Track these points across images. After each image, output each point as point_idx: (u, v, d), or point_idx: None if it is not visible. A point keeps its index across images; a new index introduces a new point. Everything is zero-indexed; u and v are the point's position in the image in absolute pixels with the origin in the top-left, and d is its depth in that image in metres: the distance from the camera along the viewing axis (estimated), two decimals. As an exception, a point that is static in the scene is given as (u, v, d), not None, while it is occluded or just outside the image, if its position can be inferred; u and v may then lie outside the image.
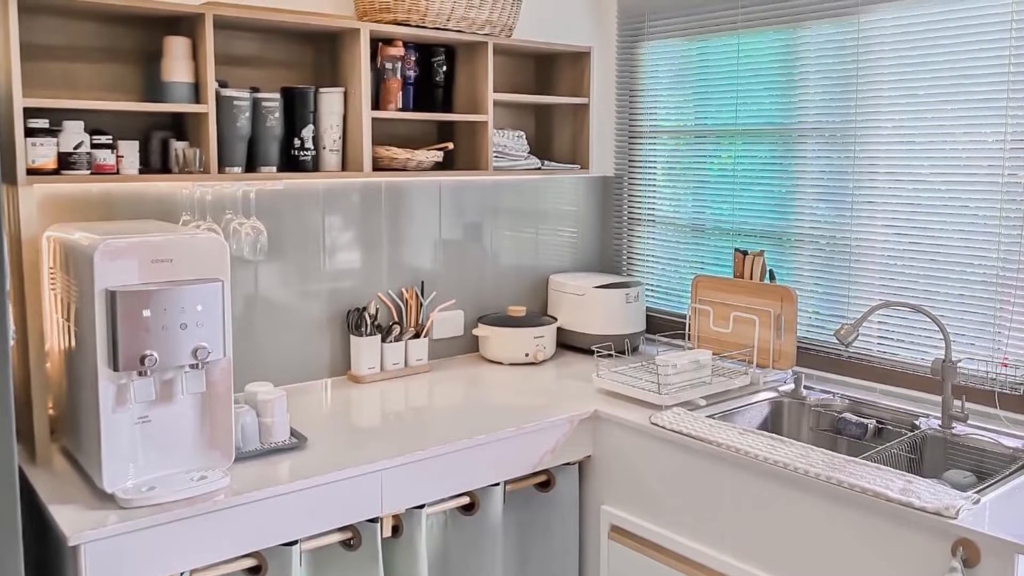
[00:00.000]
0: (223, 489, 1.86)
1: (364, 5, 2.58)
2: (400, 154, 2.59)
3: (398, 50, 2.62)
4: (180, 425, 1.91)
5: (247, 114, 2.30)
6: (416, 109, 2.75)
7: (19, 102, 1.94)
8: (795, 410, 2.59)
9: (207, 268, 1.88)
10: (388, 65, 2.61)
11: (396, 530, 2.17)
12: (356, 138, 2.50)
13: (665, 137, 3.19)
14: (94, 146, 2.10)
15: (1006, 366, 2.34)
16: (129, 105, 2.11)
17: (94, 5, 2.06)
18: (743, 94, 2.92)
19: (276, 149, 2.40)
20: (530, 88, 3.20)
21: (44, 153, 2.01)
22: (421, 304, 2.91)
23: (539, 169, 2.96)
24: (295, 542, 1.97)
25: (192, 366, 1.87)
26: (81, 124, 2.08)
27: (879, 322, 2.61)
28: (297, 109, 2.44)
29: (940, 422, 2.31)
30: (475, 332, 3.01)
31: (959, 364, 2.41)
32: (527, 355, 2.94)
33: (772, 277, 2.75)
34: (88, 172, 2.09)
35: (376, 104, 2.63)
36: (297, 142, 2.45)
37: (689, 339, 2.92)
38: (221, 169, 2.28)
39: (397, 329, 2.78)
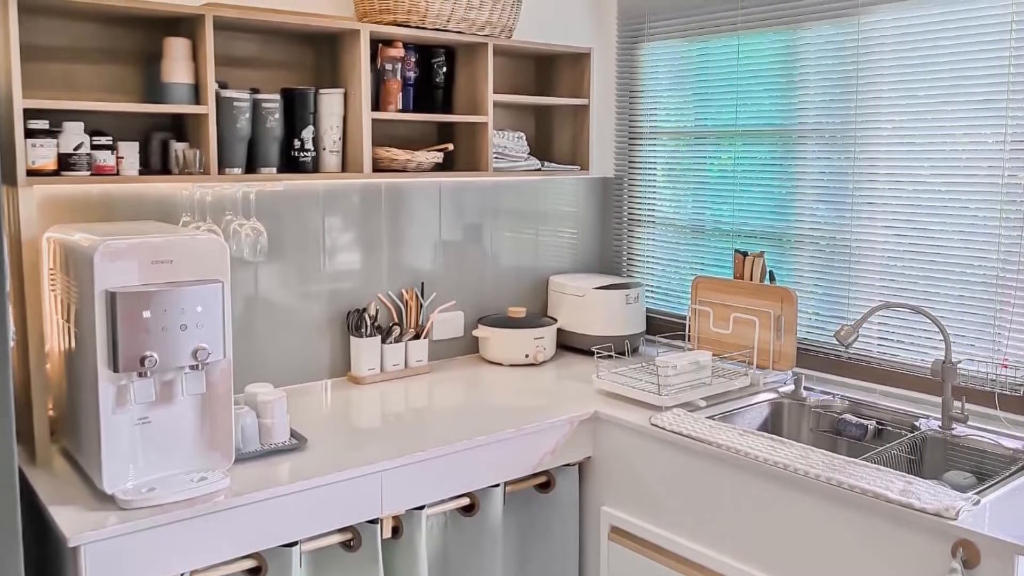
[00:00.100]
0: (223, 490, 1.86)
1: (364, 6, 2.58)
2: (400, 155, 2.59)
3: (398, 51, 2.62)
4: (180, 426, 1.91)
5: (247, 115, 2.30)
6: (416, 110, 2.75)
7: (19, 103, 1.94)
8: (795, 411, 2.59)
9: (207, 269, 1.88)
10: (388, 66, 2.62)
11: (396, 531, 2.17)
12: (356, 139, 2.50)
13: (665, 138, 3.19)
14: (94, 147, 2.10)
15: (1006, 367, 2.34)
16: (129, 106, 2.11)
17: (94, 6, 2.06)
18: (743, 95, 2.92)
19: (276, 150, 2.40)
20: (530, 89, 3.20)
21: (44, 154, 2.01)
22: (421, 305, 2.91)
23: (539, 170, 2.96)
24: (295, 543, 1.97)
25: (192, 367, 1.87)
26: (81, 125, 2.08)
27: (879, 323, 2.61)
28: (297, 110, 2.44)
29: (940, 423, 2.31)
30: (475, 333, 3.01)
31: (959, 365, 2.41)
32: (527, 356, 2.94)
33: (772, 278, 2.75)
34: (88, 173, 2.09)
35: (376, 105, 2.63)
36: (297, 143, 2.45)
37: (689, 340, 2.92)
38: (221, 170, 2.28)
39: (397, 330, 2.78)
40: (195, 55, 2.22)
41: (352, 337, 2.73)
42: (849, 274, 2.67)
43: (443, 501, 2.24)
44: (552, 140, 3.20)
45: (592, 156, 3.27)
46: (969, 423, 2.31)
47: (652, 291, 3.28)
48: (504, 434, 2.27)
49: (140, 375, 1.81)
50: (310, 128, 2.46)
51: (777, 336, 2.67)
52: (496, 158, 2.84)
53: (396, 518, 2.17)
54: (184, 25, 2.26)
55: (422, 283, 2.95)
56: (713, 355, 2.79)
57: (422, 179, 2.87)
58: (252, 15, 2.26)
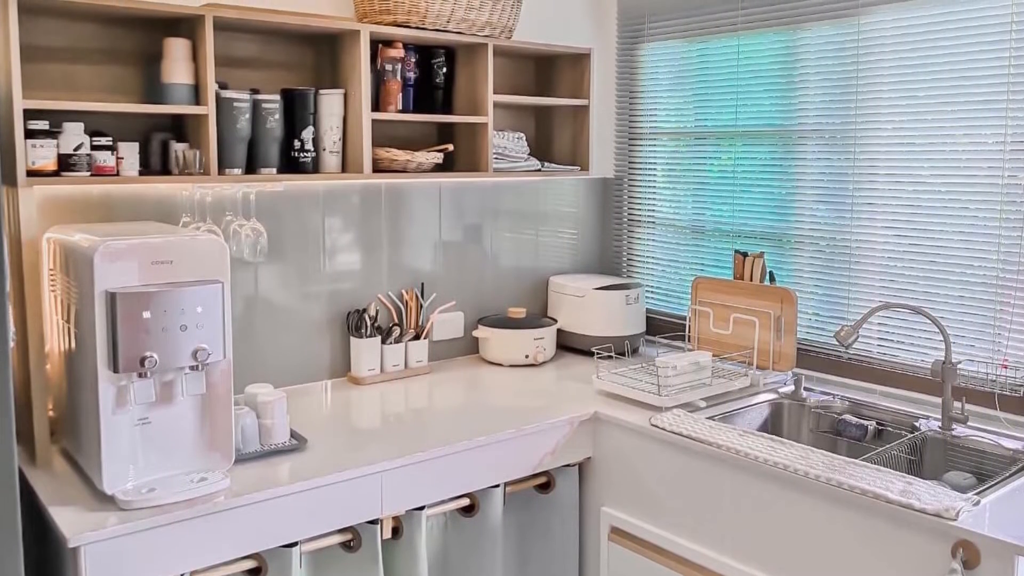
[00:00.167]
0: (223, 491, 1.86)
1: (364, 7, 2.58)
2: (400, 156, 2.59)
3: (398, 52, 2.62)
4: (180, 427, 1.91)
5: (247, 116, 2.30)
6: (416, 111, 2.75)
7: (19, 104, 1.94)
8: (795, 412, 2.59)
9: (207, 270, 1.88)
10: (388, 67, 2.62)
11: (396, 532, 2.17)
12: (356, 140, 2.50)
13: (665, 139, 3.19)
14: (94, 148, 2.10)
15: (1006, 368, 2.34)
16: (129, 107, 2.11)
17: (94, 7, 2.06)
18: (743, 96, 2.92)
19: (276, 151, 2.40)
20: (530, 90, 3.20)
21: (44, 155, 2.01)
22: (421, 306, 2.91)
23: (539, 171, 2.96)
24: (295, 544, 1.96)
25: (192, 368, 1.87)
26: (81, 126, 2.08)
27: (879, 324, 2.61)
28: (297, 111, 2.44)
29: (940, 424, 2.31)
30: (475, 334, 3.01)
31: (959, 366, 2.41)
32: (527, 357, 2.94)
33: (772, 279, 2.75)
34: (88, 174, 2.09)
35: (376, 106, 2.63)
36: (297, 144, 2.45)
37: (689, 341, 2.92)
38: (221, 171, 2.28)
39: (397, 331, 2.78)
40: (195, 55, 2.22)
41: (352, 338, 2.73)
42: (849, 275, 2.67)
43: (443, 501, 2.24)
44: (552, 140, 3.20)
45: (592, 156, 3.27)
46: (969, 424, 2.31)
47: (652, 292, 3.28)
48: (504, 435, 2.27)
49: (140, 376, 1.81)
50: (310, 129, 2.46)
51: (777, 337, 2.67)
52: (496, 159, 2.84)
53: (396, 518, 2.17)
54: (184, 26, 2.26)
55: (422, 284, 2.95)
56: (713, 356, 2.79)
57: (422, 180, 2.87)
58: (252, 15, 2.26)
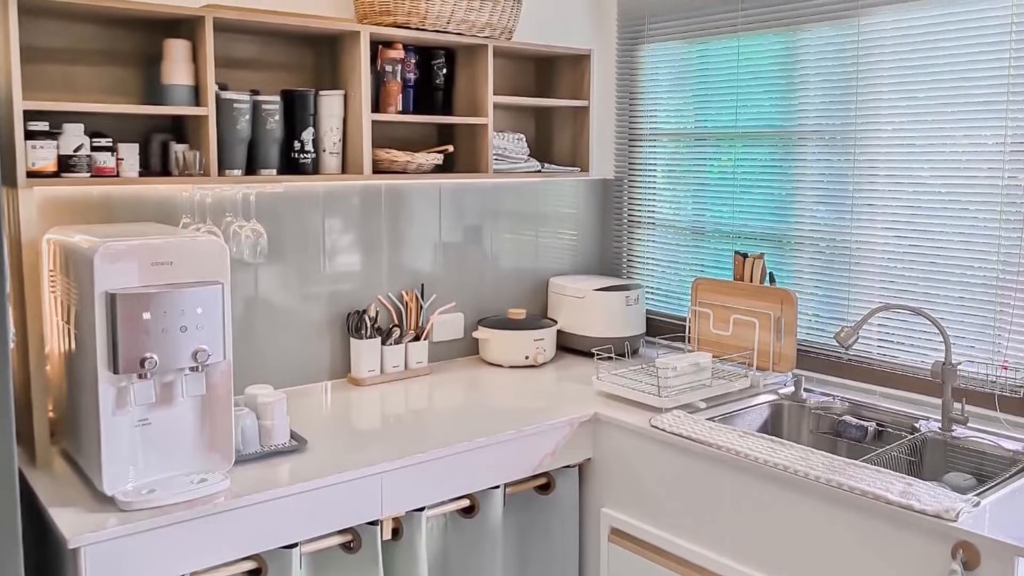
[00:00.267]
0: (223, 492, 1.86)
1: (364, 8, 2.58)
2: (400, 157, 2.59)
3: (398, 53, 2.63)
4: (180, 428, 1.91)
5: (247, 117, 2.30)
6: (416, 112, 2.75)
7: (19, 105, 1.94)
8: (795, 413, 2.59)
9: (207, 271, 1.88)
10: (388, 68, 2.62)
11: (396, 533, 2.17)
12: (356, 141, 2.50)
13: (665, 140, 3.19)
14: (94, 149, 2.10)
15: (1006, 368, 2.34)
16: (129, 108, 2.11)
17: (94, 8, 2.06)
18: (743, 97, 2.92)
19: (276, 152, 2.40)
20: (530, 91, 3.20)
21: (44, 156, 2.01)
22: (421, 307, 2.91)
23: (539, 172, 2.96)
24: (295, 545, 1.96)
25: (192, 369, 1.87)
26: (81, 127, 2.08)
27: (879, 325, 2.61)
28: (297, 112, 2.44)
29: (940, 425, 2.31)
30: (475, 335, 3.01)
31: (959, 367, 2.41)
32: (527, 358, 2.94)
33: (772, 280, 2.75)
34: (88, 175, 2.09)
35: (376, 107, 2.63)
36: (297, 145, 2.45)
37: (689, 342, 2.92)
38: (221, 172, 2.28)
39: (397, 332, 2.78)
40: (195, 57, 2.22)
41: (352, 339, 2.73)
42: (849, 276, 2.67)
43: (443, 503, 2.24)
44: (552, 141, 3.20)
45: (592, 158, 3.27)
46: (969, 425, 2.31)
47: (652, 293, 3.28)
48: (504, 436, 2.27)
49: (140, 377, 1.81)
50: (310, 130, 2.46)
51: (777, 338, 2.67)
52: (496, 160, 2.84)
53: (396, 520, 2.17)
54: (184, 27, 2.26)
55: (422, 285, 2.95)
56: (713, 357, 2.79)
57: (422, 181, 2.87)
58: (252, 16, 2.26)
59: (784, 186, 2.83)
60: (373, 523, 2.08)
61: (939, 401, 2.44)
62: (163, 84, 2.22)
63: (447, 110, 2.87)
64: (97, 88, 2.27)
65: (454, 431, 2.27)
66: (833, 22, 2.64)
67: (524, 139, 2.97)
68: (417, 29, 2.57)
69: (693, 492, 2.22)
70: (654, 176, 3.25)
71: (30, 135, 1.99)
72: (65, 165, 2.05)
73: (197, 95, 2.23)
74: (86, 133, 2.09)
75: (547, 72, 3.18)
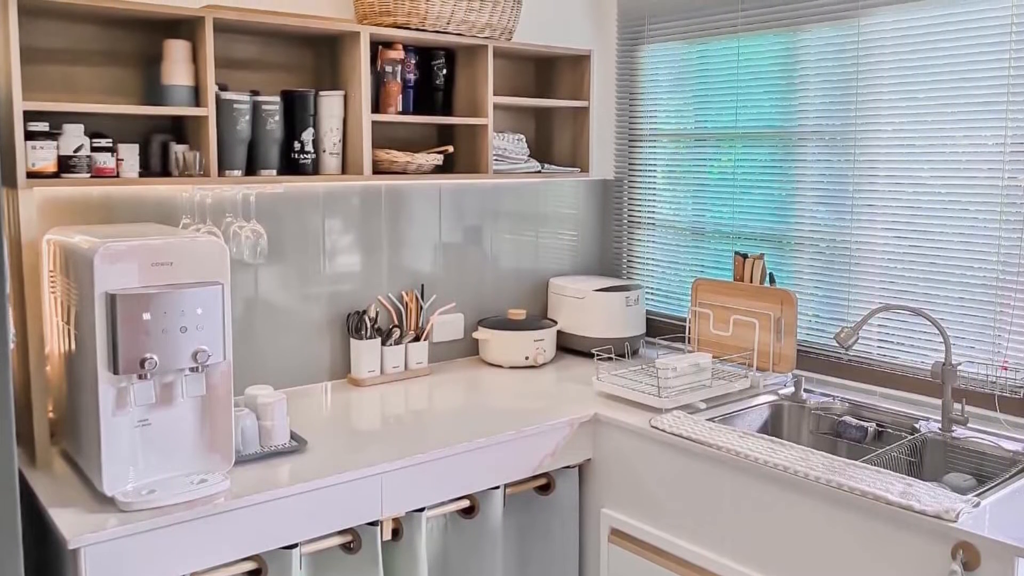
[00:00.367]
0: (223, 492, 1.86)
1: (364, 8, 2.58)
2: (400, 157, 2.59)
3: (398, 53, 2.63)
4: (180, 428, 1.91)
5: (247, 117, 2.30)
6: (416, 112, 2.75)
7: (19, 105, 1.94)
8: (795, 413, 2.59)
9: (207, 271, 1.88)
10: (388, 68, 2.62)
11: (396, 533, 2.17)
12: (356, 141, 2.50)
13: (665, 140, 3.19)
14: (94, 149, 2.10)
15: (1006, 369, 2.33)
16: (129, 108, 2.11)
17: (94, 8, 2.06)
18: (743, 97, 2.92)
19: (276, 152, 2.40)
20: (530, 91, 3.20)
21: (44, 156, 2.01)
22: (421, 307, 2.91)
23: (539, 172, 2.96)
24: (295, 545, 1.96)
25: (192, 369, 1.87)
26: (81, 127, 2.08)
27: (879, 325, 2.61)
28: (297, 112, 2.44)
29: (940, 425, 2.31)
30: (475, 335, 3.01)
31: (959, 367, 2.41)
32: (527, 358, 2.94)
33: (772, 280, 2.75)
34: (88, 175, 2.09)
35: (376, 107, 2.63)
36: (297, 145, 2.45)
37: (689, 342, 2.92)
38: (221, 172, 2.28)
39: (397, 332, 2.78)
40: (195, 57, 2.22)
41: (352, 339, 2.73)
42: (849, 276, 2.67)
43: (443, 503, 2.24)
44: (552, 142, 3.20)
45: (592, 158, 3.27)
46: (969, 425, 2.31)
47: (652, 293, 3.28)
48: (504, 436, 2.27)
49: (140, 377, 1.81)
50: (310, 130, 2.46)
51: (777, 338, 2.67)
52: (496, 160, 2.84)
53: (396, 520, 2.17)
54: (184, 27, 2.26)
55: (422, 285, 2.95)
56: (713, 357, 2.79)
57: (422, 181, 2.87)
58: (252, 17, 2.26)
59: (784, 187, 2.83)
60: (373, 523, 2.08)
61: (939, 402, 2.44)
62: (163, 84, 2.22)
63: (447, 111, 2.87)
64: (97, 88, 2.27)
65: (454, 431, 2.27)
66: (833, 23, 2.64)
67: (524, 140, 2.97)
68: (417, 30, 2.57)
69: (693, 493, 2.22)
70: (654, 177, 3.25)
71: (30, 135, 1.99)
72: (65, 166, 2.05)
73: (197, 95, 2.23)
74: (86, 134, 2.09)
75: (547, 73, 3.18)
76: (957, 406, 2.37)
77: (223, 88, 2.31)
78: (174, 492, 1.81)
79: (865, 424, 2.44)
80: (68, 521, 1.72)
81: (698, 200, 3.10)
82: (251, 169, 2.37)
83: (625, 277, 3.39)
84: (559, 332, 3.12)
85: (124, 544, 1.72)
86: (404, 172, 2.63)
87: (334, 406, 2.51)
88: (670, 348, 3.16)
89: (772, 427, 2.57)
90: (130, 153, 2.17)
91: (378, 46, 2.64)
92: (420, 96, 2.78)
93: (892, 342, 2.59)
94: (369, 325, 2.72)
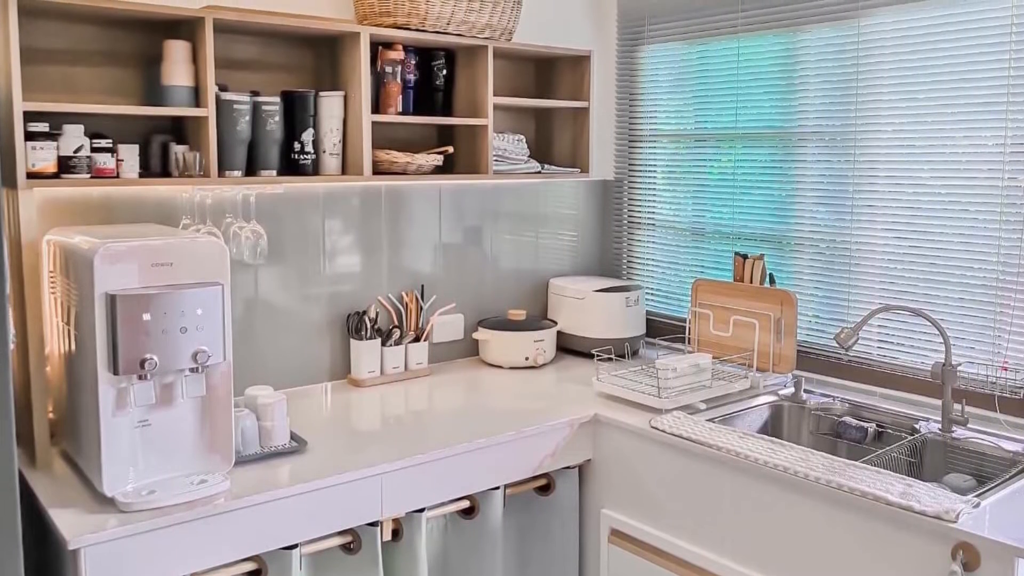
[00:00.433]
0: (223, 493, 1.86)
1: (364, 9, 2.58)
2: (400, 158, 2.59)
3: (398, 54, 2.63)
4: (180, 429, 1.91)
5: (247, 118, 2.30)
6: (416, 113, 2.75)
7: (19, 106, 1.94)
8: (795, 414, 2.59)
9: (207, 272, 1.88)
10: (388, 69, 2.62)
11: (396, 534, 2.17)
12: (356, 142, 2.50)
13: (665, 141, 3.19)
14: (94, 150, 2.10)
15: (1006, 370, 2.33)
16: (129, 109, 2.11)
17: (94, 9, 2.06)
18: (743, 98, 2.92)
19: (276, 153, 2.40)
20: (530, 92, 3.21)
21: (44, 157, 2.01)
22: (421, 308, 2.91)
23: (539, 173, 2.96)
24: (295, 546, 1.96)
25: (192, 370, 1.87)
26: (81, 128, 2.08)
27: (879, 326, 2.61)
28: (297, 113, 2.44)
29: (940, 426, 2.31)
30: (475, 336, 3.01)
31: (959, 368, 2.41)
32: (527, 359, 2.94)
33: (772, 281, 2.75)
34: (88, 176, 2.09)
35: (376, 108, 2.63)
36: (297, 146, 2.45)
37: (689, 343, 2.92)
38: (221, 173, 2.28)
39: (397, 333, 2.78)
40: (195, 58, 2.22)
41: (352, 340, 2.73)
42: (849, 277, 2.67)
43: (443, 504, 2.24)
44: (552, 143, 3.20)
45: (592, 159, 3.27)
46: (969, 426, 2.31)
47: (652, 294, 3.28)
48: (504, 437, 2.27)
49: (140, 378, 1.81)
50: (310, 131, 2.46)
51: (777, 339, 2.67)
52: (496, 161, 2.84)
53: (396, 521, 2.16)
54: (184, 28, 2.26)
55: (422, 286, 2.95)
56: (713, 358, 2.79)
57: (422, 182, 2.87)
58: (252, 17, 2.26)
59: (784, 187, 2.83)
60: (373, 524, 2.08)
61: (939, 402, 2.44)
62: (163, 85, 2.22)
63: (447, 111, 2.87)
64: (97, 89, 2.27)
65: (454, 432, 2.27)
66: (833, 23, 2.64)
67: (524, 140, 2.97)
68: (417, 30, 2.58)
69: (693, 493, 2.22)
70: (654, 177, 3.25)
71: (30, 136, 1.99)
72: (65, 166, 2.05)
73: (197, 96, 2.23)
74: (86, 134, 2.09)
75: (547, 73, 3.18)
76: (957, 407, 2.37)
77: (223, 89, 2.31)
78: (174, 492, 1.81)
79: (865, 425, 2.44)
80: (68, 522, 1.72)
81: (698, 201, 3.10)
82: (251, 170, 2.37)
83: (625, 278, 3.39)
84: (559, 333, 3.12)
85: (124, 545, 1.72)
86: (404, 173, 2.63)
87: (334, 407, 2.51)
88: (670, 349, 3.16)
89: (772, 428, 2.57)
90: (130, 154, 2.17)
91: (378, 46, 2.64)
92: (420, 97, 2.78)
93: (892, 343, 2.59)
94: (369, 326, 2.72)
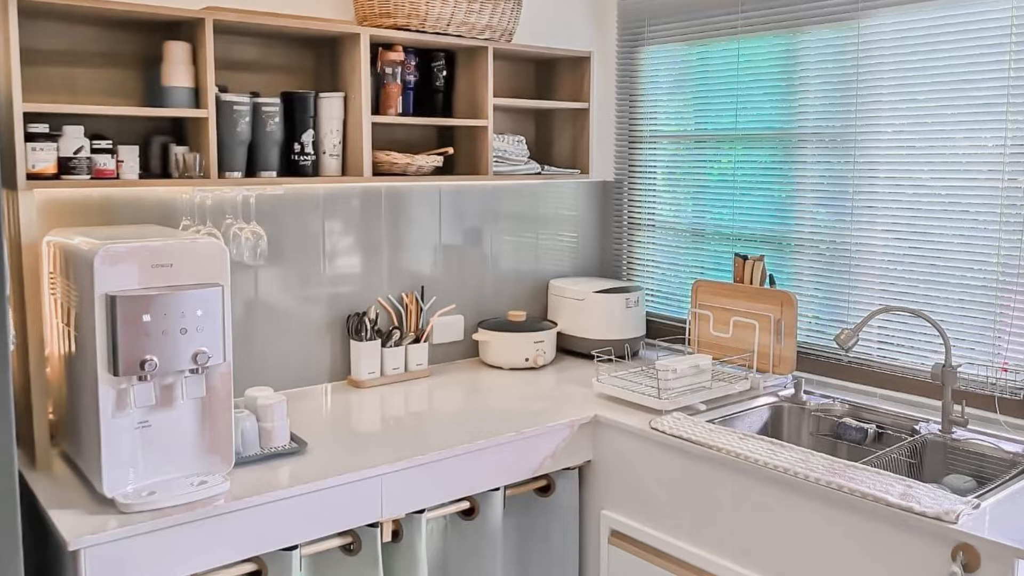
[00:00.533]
0: (223, 494, 1.86)
1: (364, 10, 2.59)
2: (400, 159, 2.59)
3: (398, 55, 2.63)
4: (180, 430, 1.91)
5: (247, 119, 2.30)
6: (416, 114, 2.75)
7: (19, 107, 1.94)
8: (795, 415, 2.59)
9: (207, 273, 1.88)
10: (388, 70, 2.62)
11: (396, 535, 2.17)
12: (356, 143, 2.50)
13: (665, 142, 3.19)
14: (94, 151, 2.10)
15: (1006, 371, 2.33)
16: (129, 110, 2.11)
17: (94, 10, 2.06)
18: (743, 99, 2.92)
19: (276, 154, 2.40)
20: (530, 93, 3.21)
21: (44, 158, 2.01)
22: (421, 309, 2.91)
23: (539, 174, 2.96)
24: (295, 547, 1.96)
25: (192, 371, 1.87)
26: (81, 129, 2.08)
27: (879, 327, 2.61)
28: (297, 114, 2.44)
29: (940, 427, 2.31)
30: (475, 337, 3.01)
31: (959, 369, 2.41)
32: (527, 360, 2.94)
33: (772, 282, 2.75)
34: (88, 177, 2.09)
35: (376, 109, 2.63)
36: (297, 147, 2.45)
37: (689, 344, 2.92)
38: (221, 174, 2.28)
39: (397, 334, 2.78)
40: (195, 59, 2.22)
41: (352, 341, 2.73)
42: (849, 278, 2.67)
43: (443, 505, 2.24)
44: (552, 144, 3.20)
45: (592, 160, 3.27)
46: (969, 427, 2.31)
47: (652, 295, 3.28)
48: (504, 438, 2.27)
49: (140, 379, 1.81)
50: (310, 132, 2.46)
51: (777, 340, 2.67)
52: (496, 162, 2.84)
53: (396, 522, 2.16)
54: (184, 29, 2.26)
55: (422, 287, 2.95)
56: (713, 359, 2.79)
57: (422, 183, 2.87)
58: (252, 19, 2.26)
59: (784, 188, 2.83)
60: (373, 525, 2.08)
61: (939, 403, 2.44)
62: (163, 86, 2.22)
63: (447, 112, 2.87)
64: (97, 90, 2.27)
65: (454, 433, 2.27)
66: (833, 24, 2.64)
67: (524, 141, 2.97)
68: (417, 31, 2.58)
69: (693, 494, 2.22)
70: (654, 178, 3.25)
71: (30, 137, 1.99)
72: (65, 167, 2.05)
73: (197, 97, 2.23)
74: (86, 135, 2.09)
75: (547, 74, 3.18)
76: (957, 408, 2.37)
77: (223, 90, 2.31)
78: (174, 494, 1.81)
79: (865, 426, 2.44)
80: (68, 523, 1.72)
81: (698, 202, 3.10)
82: (251, 171, 2.37)
83: (625, 279, 3.39)
84: (559, 334, 3.12)
85: (124, 546, 1.72)
86: (404, 174, 2.63)
87: (334, 408, 2.51)
88: (670, 350, 3.16)
89: (772, 429, 2.57)
90: (130, 155, 2.17)
91: (378, 48, 2.64)
92: (420, 98, 2.78)
93: (892, 344, 2.59)
94: (369, 327, 2.72)
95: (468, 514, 2.30)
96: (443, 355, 3.03)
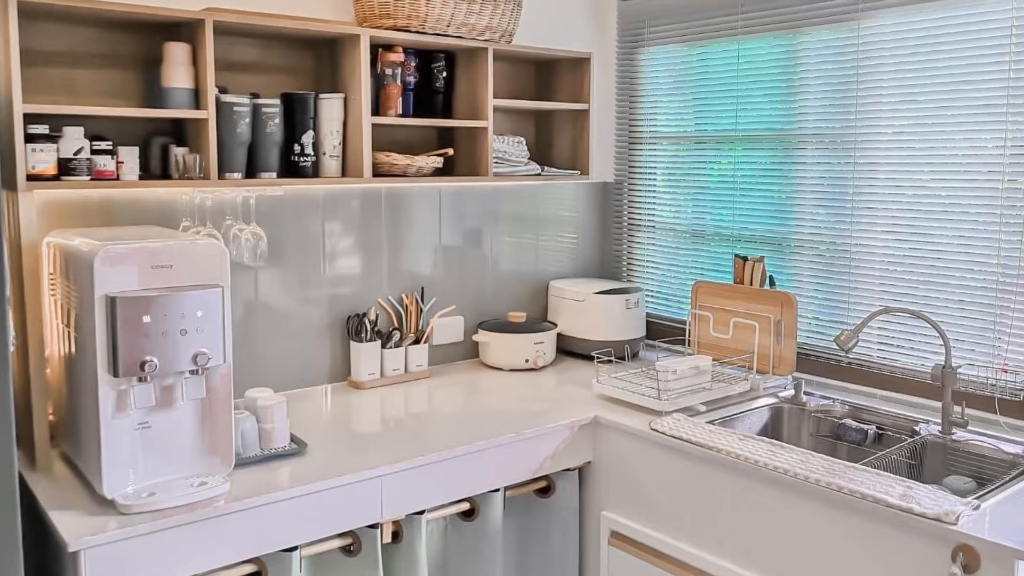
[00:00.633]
0: (223, 495, 1.86)
1: (364, 11, 2.59)
2: (400, 160, 2.59)
3: (398, 56, 2.63)
4: (180, 431, 1.91)
5: (247, 120, 2.30)
6: (416, 115, 2.76)
7: (19, 108, 1.94)
8: (795, 416, 2.59)
9: (207, 274, 1.88)
10: (388, 71, 2.62)
11: (396, 536, 2.17)
12: (356, 144, 2.50)
13: (665, 143, 3.19)
14: (94, 152, 2.10)
15: (1006, 372, 2.33)
16: (129, 111, 2.11)
17: (94, 11, 2.07)
18: (743, 100, 2.92)
19: (276, 155, 2.40)
20: (530, 94, 3.21)
21: (44, 159, 2.01)
22: (421, 310, 2.91)
23: (539, 175, 2.96)
24: (295, 548, 1.96)
25: (192, 372, 1.87)
26: (81, 130, 2.08)
27: (879, 328, 2.61)
28: (297, 115, 2.44)
29: (940, 428, 2.31)
30: (475, 338, 3.01)
31: (959, 370, 2.41)
32: (527, 361, 2.94)
33: (772, 283, 2.75)
34: (88, 178, 2.09)
35: (376, 110, 2.63)
36: (297, 148, 2.45)
37: (689, 345, 2.92)
38: (221, 175, 2.28)
39: (397, 335, 2.78)
40: (195, 60, 2.22)
41: (352, 342, 2.73)
42: (849, 279, 2.67)
43: (443, 506, 2.24)
44: (552, 145, 3.20)
45: (592, 161, 3.27)
46: (969, 428, 2.31)
47: (652, 296, 3.28)
48: (504, 439, 2.27)
49: (140, 380, 1.81)
50: (310, 133, 2.46)
51: (777, 341, 2.67)
52: (496, 163, 2.84)
53: (396, 523, 2.16)
54: (184, 30, 2.26)
55: (422, 288, 2.95)
56: (713, 360, 2.79)
57: (422, 184, 2.87)
58: (252, 19, 2.26)
59: (784, 189, 2.83)
60: (373, 526, 2.08)
61: (939, 404, 2.44)
62: (163, 87, 2.22)
63: (447, 113, 2.87)
64: (97, 91, 2.27)
65: (454, 434, 2.27)
66: (833, 25, 2.65)
67: (524, 142, 2.97)
68: (417, 32, 2.58)
69: (693, 495, 2.22)
70: (654, 179, 3.25)
71: (30, 138, 1.99)
72: (65, 168, 2.05)
73: (197, 98, 2.23)
74: (86, 136, 2.09)
75: (547, 75, 3.18)
76: (957, 409, 2.37)
77: (223, 91, 2.31)
78: (174, 495, 1.81)
79: (865, 427, 2.44)
80: (68, 524, 1.72)
81: (698, 203, 3.11)
82: (251, 172, 2.37)
83: (625, 280, 3.39)
84: (559, 335, 3.12)
85: (124, 547, 1.72)
86: (404, 175, 2.63)
87: (334, 409, 2.51)
88: (670, 351, 3.16)
89: (772, 430, 2.57)
90: (130, 156, 2.17)
91: (378, 49, 2.64)
92: (420, 99, 2.78)
93: (892, 345, 2.59)
94: (369, 328, 2.72)
95: (468, 515, 2.30)
96: (443, 356, 3.03)
